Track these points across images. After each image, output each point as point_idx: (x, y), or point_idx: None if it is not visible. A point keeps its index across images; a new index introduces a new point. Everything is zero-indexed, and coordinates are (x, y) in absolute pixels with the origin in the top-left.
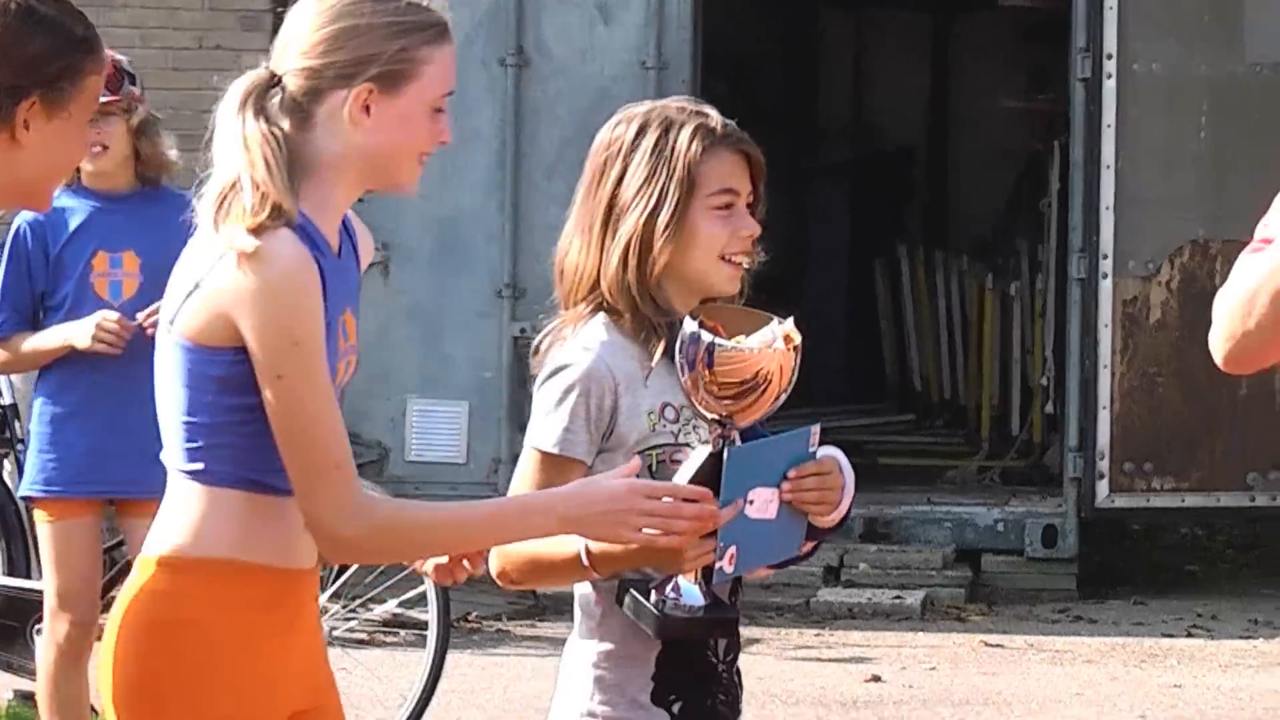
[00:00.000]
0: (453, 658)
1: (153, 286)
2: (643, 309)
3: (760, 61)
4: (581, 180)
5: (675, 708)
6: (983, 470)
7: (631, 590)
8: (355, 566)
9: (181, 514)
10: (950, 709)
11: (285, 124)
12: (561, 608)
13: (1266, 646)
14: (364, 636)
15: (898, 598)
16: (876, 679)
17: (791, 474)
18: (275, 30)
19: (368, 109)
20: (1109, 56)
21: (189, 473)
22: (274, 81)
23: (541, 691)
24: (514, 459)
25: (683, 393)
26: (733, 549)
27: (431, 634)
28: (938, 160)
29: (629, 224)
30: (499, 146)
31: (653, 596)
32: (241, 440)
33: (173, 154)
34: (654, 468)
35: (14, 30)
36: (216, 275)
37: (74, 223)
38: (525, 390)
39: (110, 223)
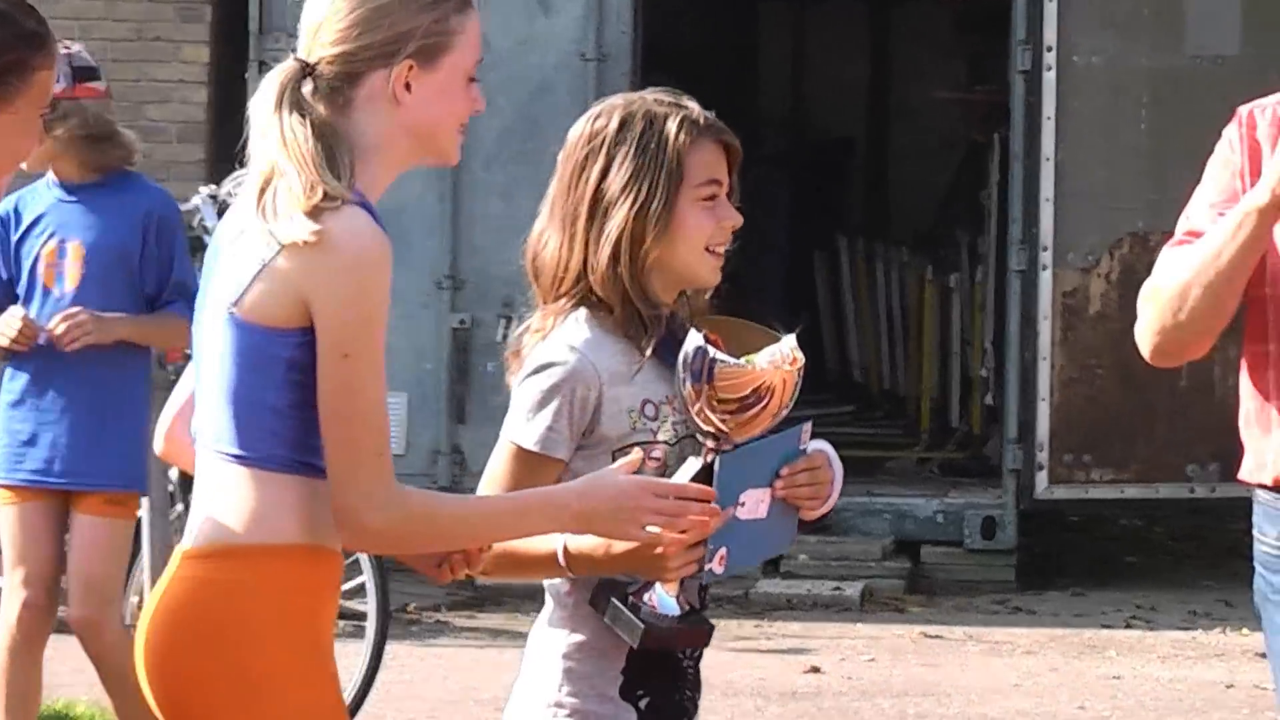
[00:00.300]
0: (391, 648)
1: (96, 278)
2: (634, 302)
3: (700, 53)
4: (557, 175)
5: (642, 703)
6: (922, 461)
7: (612, 599)
8: None
9: (240, 501)
10: (889, 700)
11: (322, 111)
12: (500, 599)
13: (1205, 638)
14: None
15: (837, 589)
16: (816, 670)
17: (784, 472)
18: (214, 22)
19: (409, 86)
20: (1049, 49)
21: (245, 458)
22: (306, 71)
23: (481, 682)
24: (453, 450)
25: (682, 403)
26: (723, 550)
27: (370, 625)
28: (877, 151)
29: (618, 217)
30: None
31: (629, 601)
32: (302, 424)
33: (120, 146)
34: None
35: None
36: (289, 254)
37: (34, 213)
38: (465, 382)
39: (63, 213)
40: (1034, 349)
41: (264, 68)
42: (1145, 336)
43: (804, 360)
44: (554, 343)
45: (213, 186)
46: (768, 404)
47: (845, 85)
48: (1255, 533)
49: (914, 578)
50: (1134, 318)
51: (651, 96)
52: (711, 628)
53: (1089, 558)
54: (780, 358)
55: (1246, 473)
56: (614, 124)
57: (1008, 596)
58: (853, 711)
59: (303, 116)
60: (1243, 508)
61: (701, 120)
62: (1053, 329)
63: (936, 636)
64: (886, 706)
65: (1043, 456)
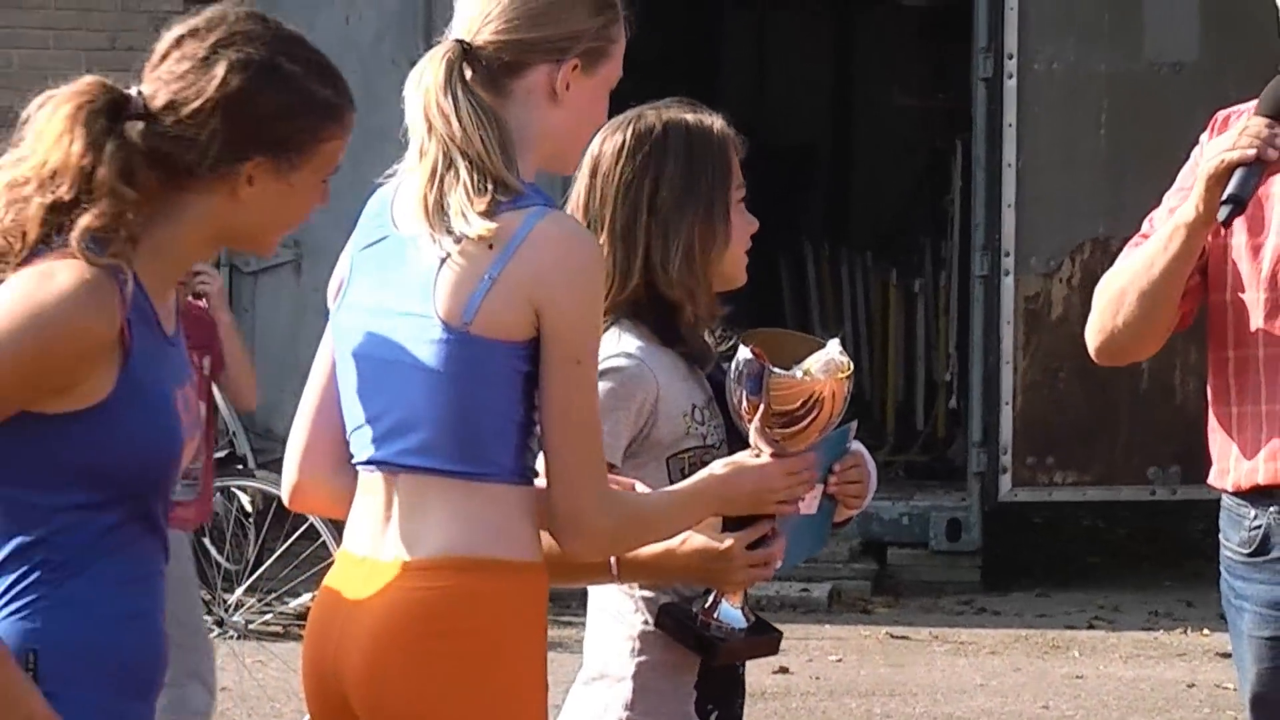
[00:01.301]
0: None
1: None
2: (703, 304)
3: (662, 58)
4: (594, 189)
5: (712, 717)
6: (888, 464)
7: (679, 617)
8: (271, 560)
9: (476, 514)
10: (856, 700)
11: (484, 96)
12: None
13: (1167, 638)
14: (279, 629)
15: (804, 590)
16: (784, 670)
17: (837, 468)
18: None
19: (568, 86)
20: (1010, 56)
21: (475, 473)
22: (467, 53)
23: None
24: None
25: (734, 416)
26: (780, 543)
27: None
28: (841, 156)
29: (684, 222)
30: (407, 145)
31: (699, 620)
32: (530, 434)
33: None
34: (685, 470)
35: (247, 88)
36: (519, 264)
37: None
38: None
39: None
40: (997, 353)
41: None
42: (1090, 336)
43: (851, 366)
44: (610, 351)
45: None
46: (817, 416)
47: (808, 91)
48: (1221, 538)
49: (880, 579)
50: None
51: (674, 106)
52: (780, 635)
53: (1052, 559)
54: (835, 365)
55: (1212, 477)
56: (657, 132)
57: (972, 597)
58: (820, 711)
59: (476, 100)
60: (1203, 509)
61: (727, 127)
62: (1015, 333)
63: (902, 637)
64: (853, 706)
65: (1006, 459)
